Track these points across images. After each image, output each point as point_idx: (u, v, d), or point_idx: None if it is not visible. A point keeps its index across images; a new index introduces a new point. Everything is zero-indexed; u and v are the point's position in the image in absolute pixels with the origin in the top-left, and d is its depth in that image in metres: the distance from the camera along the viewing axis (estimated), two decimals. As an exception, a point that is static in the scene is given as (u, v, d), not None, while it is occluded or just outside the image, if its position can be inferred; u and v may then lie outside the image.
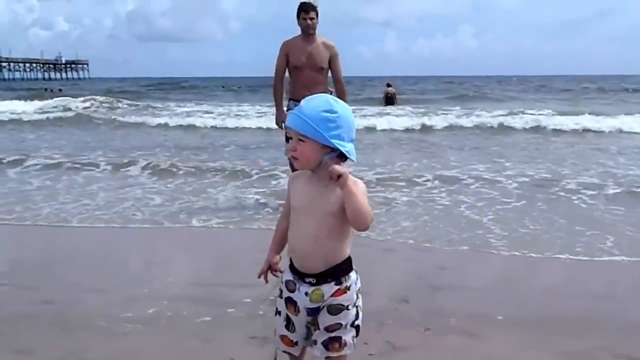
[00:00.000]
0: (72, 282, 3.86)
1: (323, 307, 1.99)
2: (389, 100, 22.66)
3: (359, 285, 2.03)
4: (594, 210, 5.73)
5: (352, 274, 2.02)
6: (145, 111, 20.75)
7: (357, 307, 2.03)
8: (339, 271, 2.00)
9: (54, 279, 3.94)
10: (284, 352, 2.17)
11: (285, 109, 5.79)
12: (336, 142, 1.91)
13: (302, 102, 1.97)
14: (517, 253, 4.34)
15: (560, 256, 4.26)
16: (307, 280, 1.99)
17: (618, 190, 6.52)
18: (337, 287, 1.98)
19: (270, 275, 2.18)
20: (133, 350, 2.78)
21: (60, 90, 39.87)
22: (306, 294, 1.99)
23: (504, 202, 6.10)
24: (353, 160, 1.97)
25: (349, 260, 2.02)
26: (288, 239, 2.07)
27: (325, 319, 2.00)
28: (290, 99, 5.81)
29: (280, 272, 2.13)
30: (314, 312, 2.01)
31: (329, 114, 1.92)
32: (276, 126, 5.91)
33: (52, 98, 25.18)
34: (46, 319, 3.18)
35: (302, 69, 5.73)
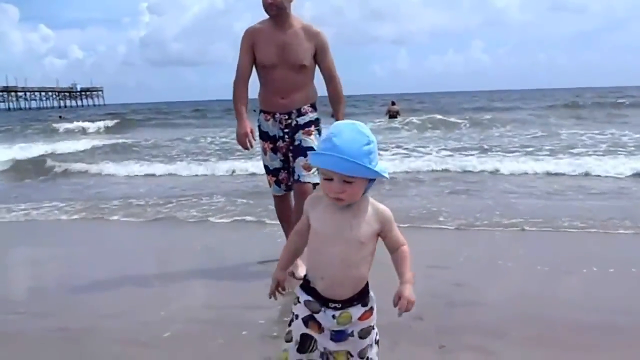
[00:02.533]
0: (78, 307, 3.88)
1: (352, 332, 1.99)
2: (392, 116, 25.94)
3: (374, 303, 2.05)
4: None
5: (371, 293, 2.04)
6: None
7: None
8: (364, 293, 2.01)
9: (69, 305, 3.96)
10: None
11: (257, 124, 4.31)
12: (380, 171, 1.87)
13: (333, 138, 1.85)
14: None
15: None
16: (332, 305, 1.97)
17: None
18: (364, 308, 2.00)
19: (279, 296, 2.16)
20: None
21: (60, 117, 41.39)
22: (333, 316, 1.97)
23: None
24: (387, 178, 1.92)
25: (367, 281, 2.03)
26: (311, 265, 2.03)
27: (357, 345, 2.00)
28: (261, 111, 4.29)
29: (284, 290, 2.14)
30: (339, 337, 1.99)
31: (369, 146, 1.85)
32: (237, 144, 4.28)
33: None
34: (58, 349, 3.18)
35: (274, 68, 4.08)
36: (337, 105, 4.27)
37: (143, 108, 47.13)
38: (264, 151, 4.36)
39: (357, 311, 1.98)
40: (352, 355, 2.01)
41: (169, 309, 3.73)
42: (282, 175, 4.34)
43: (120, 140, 19.64)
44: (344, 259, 1.94)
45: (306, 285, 2.03)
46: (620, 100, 34.59)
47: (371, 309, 2.02)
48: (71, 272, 4.86)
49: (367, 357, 2.03)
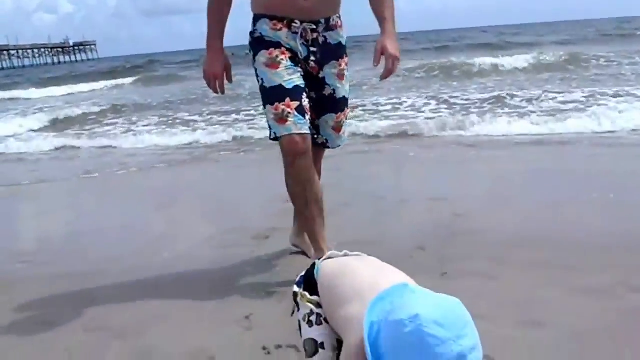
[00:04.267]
0: (84, 252, 3.94)
1: None
2: None
3: None
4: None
5: None
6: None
7: None
8: None
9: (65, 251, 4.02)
10: None
11: (248, 39, 2.96)
12: None
13: None
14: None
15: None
16: None
17: None
18: None
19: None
20: (155, 315, 2.82)
21: None
22: None
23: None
24: None
25: None
26: None
27: None
28: (261, 17, 2.90)
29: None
30: None
31: None
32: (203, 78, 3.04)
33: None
34: (63, 291, 3.23)
35: None
36: (381, 7, 2.87)
37: (144, 61, 46.20)
38: (273, 61, 2.82)
39: None
40: None
41: (173, 250, 3.76)
42: (306, 102, 2.84)
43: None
44: None
45: None
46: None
47: None
48: (75, 220, 4.91)
49: None
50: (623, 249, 3.19)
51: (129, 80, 24.06)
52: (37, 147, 9.01)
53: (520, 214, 3.99)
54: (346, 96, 3.08)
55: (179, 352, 2.40)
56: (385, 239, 3.54)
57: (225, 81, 3.05)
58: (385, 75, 2.86)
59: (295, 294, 1.74)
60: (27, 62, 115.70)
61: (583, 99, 9.26)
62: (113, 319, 2.80)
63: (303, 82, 2.87)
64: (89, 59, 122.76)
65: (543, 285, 2.79)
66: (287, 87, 2.80)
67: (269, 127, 2.86)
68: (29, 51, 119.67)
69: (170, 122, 10.91)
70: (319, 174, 3.20)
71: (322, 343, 1.60)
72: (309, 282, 1.71)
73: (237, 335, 2.52)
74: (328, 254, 1.79)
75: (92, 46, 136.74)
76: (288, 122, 2.77)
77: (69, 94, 21.48)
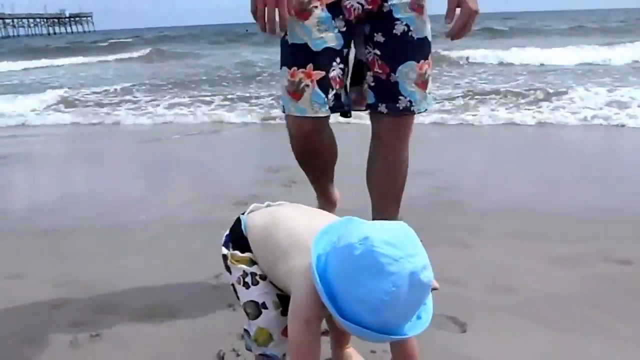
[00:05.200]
0: (61, 212, 3.90)
1: None
2: None
3: None
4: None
5: None
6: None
7: None
8: None
9: (43, 211, 3.99)
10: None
11: None
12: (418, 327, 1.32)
13: (384, 310, 1.21)
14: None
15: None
16: None
17: None
18: None
19: None
20: (123, 271, 2.79)
21: None
22: None
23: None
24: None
25: None
26: None
27: None
28: None
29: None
30: None
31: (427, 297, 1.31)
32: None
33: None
34: (36, 247, 3.20)
35: None
36: None
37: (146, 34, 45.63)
38: (303, 8, 2.12)
39: None
40: None
41: (150, 212, 3.73)
42: (337, 71, 2.18)
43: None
44: None
45: None
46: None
47: None
48: (62, 183, 4.90)
49: None
50: (599, 222, 3.19)
51: (136, 54, 22.76)
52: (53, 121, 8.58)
53: (499, 188, 4.00)
54: (429, 37, 2.26)
55: (142, 306, 2.37)
56: (366, 208, 3.51)
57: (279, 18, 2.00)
58: (457, 34, 2.14)
59: (224, 257, 1.64)
60: (22, 31, 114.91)
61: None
62: (81, 274, 2.77)
63: (341, 41, 2.17)
64: (84, 31, 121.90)
65: (517, 254, 2.78)
66: (313, 48, 2.13)
67: (280, 97, 2.29)
68: (25, 20, 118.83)
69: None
70: (403, 161, 2.46)
71: (264, 303, 1.54)
72: (237, 241, 1.62)
73: (204, 293, 2.49)
74: (250, 207, 1.68)
75: (88, 18, 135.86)
76: (303, 99, 2.15)
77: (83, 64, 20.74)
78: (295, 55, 2.16)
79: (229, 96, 9.42)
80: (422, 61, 2.24)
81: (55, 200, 4.29)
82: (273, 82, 10.94)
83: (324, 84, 2.13)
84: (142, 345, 2.08)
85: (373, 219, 2.34)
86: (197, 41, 31.00)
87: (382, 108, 2.26)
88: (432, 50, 2.30)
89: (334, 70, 2.16)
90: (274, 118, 7.23)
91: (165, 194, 4.33)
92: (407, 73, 2.22)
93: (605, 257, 2.70)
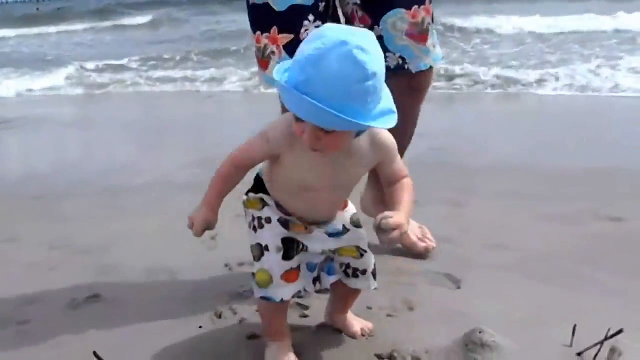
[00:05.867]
0: (57, 177, 3.90)
1: (344, 227, 1.61)
2: None
3: None
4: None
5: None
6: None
7: None
8: None
9: (39, 175, 3.99)
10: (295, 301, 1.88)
11: None
12: (379, 121, 1.29)
13: (309, 67, 1.20)
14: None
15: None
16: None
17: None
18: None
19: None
20: (120, 234, 2.80)
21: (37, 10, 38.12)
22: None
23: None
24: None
25: None
26: (281, 202, 1.58)
27: (359, 235, 1.65)
28: None
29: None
30: (336, 234, 1.60)
31: (366, 85, 1.22)
32: None
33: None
34: (32, 211, 3.21)
35: None
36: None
37: None
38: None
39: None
40: (364, 250, 1.63)
41: (144, 175, 3.74)
42: (311, 31, 1.84)
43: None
44: (335, 202, 1.60)
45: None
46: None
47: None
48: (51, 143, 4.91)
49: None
50: (591, 181, 3.20)
51: (139, 20, 20.26)
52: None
53: (493, 149, 4.00)
54: None
55: (140, 268, 2.39)
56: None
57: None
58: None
59: (243, 204, 1.67)
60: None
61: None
62: (78, 238, 2.78)
63: None
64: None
65: (510, 213, 2.80)
66: (276, 7, 1.84)
67: None
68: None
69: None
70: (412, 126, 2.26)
71: (267, 245, 1.54)
72: (256, 186, 1.66)
73: (201, 254, 2.50)
74: None
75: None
76: (269, 68, 1.89)
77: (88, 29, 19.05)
78: (258, 17, 1.90)
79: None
80: (414, 7, 1.88)
81: (49, 165, 4.28)
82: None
83: (294, 49, 1.39)
84: (140, 305, 2.10)
85: None
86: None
87: None
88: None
89: (307, 30, 1.84)
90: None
91: (159, 157, 4.34)
92: (394, 23, 1.87)
93: (597, 214, 2.72)
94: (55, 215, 3.12)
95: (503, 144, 4.16)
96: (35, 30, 19.58)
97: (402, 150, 2.29)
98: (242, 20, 2.84)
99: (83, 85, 8.47)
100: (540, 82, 6.29)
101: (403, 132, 2.07)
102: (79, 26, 20.00)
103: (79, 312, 2.08)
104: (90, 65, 9.98)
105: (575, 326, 1.67)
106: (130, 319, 1.99)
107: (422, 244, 2.26)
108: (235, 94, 7.22)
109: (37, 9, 38.32)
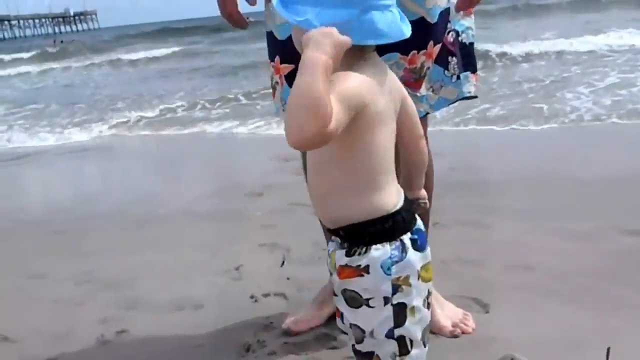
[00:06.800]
0: (78, 210, 3.92)
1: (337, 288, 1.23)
2: None
3: (398, 273, 1.16)
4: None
5: (377, 250, 1.16)
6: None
7: (394, 305, 1.17)
8: (355, 234, 1.19)
9: (65, 210, 4.00)
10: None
11: None
12: (292, 12, 1.13)
13: None
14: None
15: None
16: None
17: None
18: (347, 259, 1.19)
19: None
20: (144, 266, 2.81)
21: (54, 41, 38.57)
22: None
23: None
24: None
25: (384, 222, 1.17)
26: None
27: (346, 313, 1.22)
28: None
29: None
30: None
31: None
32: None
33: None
34: (56, 246, 3.23)
35: None
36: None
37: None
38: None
39: (340, 257, 1.21)
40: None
41: (166, 206, 3.76)
42: None
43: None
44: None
45: None
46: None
47: (358, 267, 1.17)
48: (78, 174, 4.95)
49: (359, 351, 1.23)
50: (611, 196, 3.17)
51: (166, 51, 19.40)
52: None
53: (509, 167, 3.96)
54: (429, 18, 1.72)
55: (166, 301, 2.40)
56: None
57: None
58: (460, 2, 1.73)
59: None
60: (28, 32, 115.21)
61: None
62: (103, 272, 2.80)
63: None
64: (89, 29, 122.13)
65: (532, 231, 2.79)
66: (278, 36, 1.80)
67: None
68: (30, 21, 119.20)
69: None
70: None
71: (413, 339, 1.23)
72: None
73: (226, 285, 2.51)
74: None
75: (93, 16, 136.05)
76: (276, 98, 1.91)
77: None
78: (267, 45, 1.88)
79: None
80: (412, 52, 1.73)
81: (70, 198, 4.33)
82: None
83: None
84: (167, 339, 2.11)
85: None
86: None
87: None
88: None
89: None
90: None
91: (178, 186, 4.36)
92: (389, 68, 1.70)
93: (619, 229, 2.69)
94: (79, 250, 3.14)
95: (516, 160, 4.14)
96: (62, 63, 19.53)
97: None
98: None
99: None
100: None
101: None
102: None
103: (108, 348, 2.10)
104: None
105: (608, 349, 1.64)
106: (159, 354, 2.00)
107: (450, 329, 1.99)
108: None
109: (59, 41, 38.88)
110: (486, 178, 3.75)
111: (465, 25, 1.87)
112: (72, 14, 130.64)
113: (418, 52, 1.73)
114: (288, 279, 2.51)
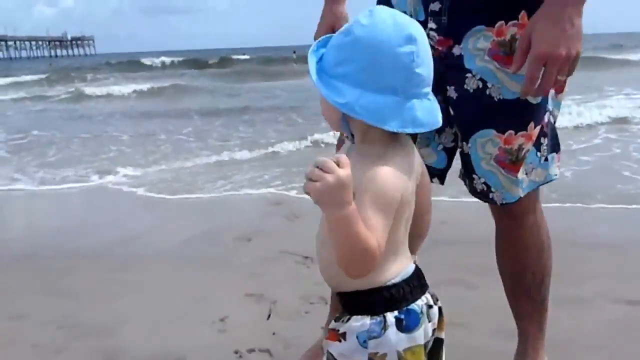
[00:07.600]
0: (66, 250, 3.84)
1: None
2: None
3: (375, 349, 1.16)
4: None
5: (356, 321, 1.18)
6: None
7: None
8: (344, 302, 1.25)
9: (47, 247, 3.93)
10: None
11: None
12: (332, 91, 1.12)
13: None
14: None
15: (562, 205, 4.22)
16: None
17: None
18: (334, 323, 1.24)
19: None
20: (127, 314, 2.76)
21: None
22: None
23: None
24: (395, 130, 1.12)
25: (369, 295, 1.19)
26: None
27: None
28: None
29: None
30: None
31: (342, 39, 1.13)
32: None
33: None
34: (40, 288, 3.16)
35: None
36: None
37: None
38: None
39: (332, 319, 1.28)
40: None
41: (150, 248, 3.70)
42: None
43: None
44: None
45: None
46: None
47: (338, 333, 1.20)
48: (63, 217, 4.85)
49: None
50: (605, 261, 3.17)
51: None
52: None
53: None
54: (533, 99, 1.59)
55: (148, 353, 2.35)
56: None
57: None
58: (526, 88, 1.46)
59: None
60: (24, 53, 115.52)
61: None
62: (84, 316, 2.74)
63: None
64: (86, 54, 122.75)
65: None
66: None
67: None
68: (27, 43, 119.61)
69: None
70: (526, 246, 2.04)
71: None
72: None
73: (210, 338, 2.47)
74: None
75: (90, 41, 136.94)
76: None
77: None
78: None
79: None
80: (509, 132, 1.62)
81: (51, 235, 4.25)
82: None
83: None
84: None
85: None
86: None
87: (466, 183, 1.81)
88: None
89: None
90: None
91: (163, 227, 4.29)
92: (483, 145, 1.65)
93: (613, 297, 2.68)
94: (59, 291, 3.07)
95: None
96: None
97: (531, 304, 2.12)
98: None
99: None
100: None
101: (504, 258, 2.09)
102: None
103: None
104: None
105: None
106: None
107: None
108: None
109: (50, 64, 39.13)
110: (477, 234, 3.72)
111: (559, 103, 1.76)
112: (69, 38, 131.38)
113: (516, 133, 1.63)
114: (274, 334, 2.47)
